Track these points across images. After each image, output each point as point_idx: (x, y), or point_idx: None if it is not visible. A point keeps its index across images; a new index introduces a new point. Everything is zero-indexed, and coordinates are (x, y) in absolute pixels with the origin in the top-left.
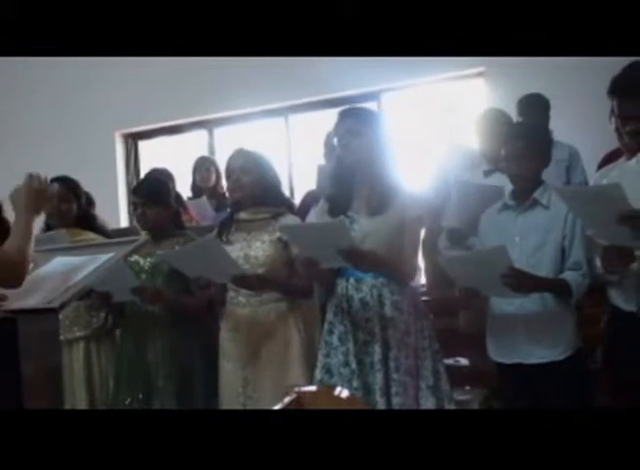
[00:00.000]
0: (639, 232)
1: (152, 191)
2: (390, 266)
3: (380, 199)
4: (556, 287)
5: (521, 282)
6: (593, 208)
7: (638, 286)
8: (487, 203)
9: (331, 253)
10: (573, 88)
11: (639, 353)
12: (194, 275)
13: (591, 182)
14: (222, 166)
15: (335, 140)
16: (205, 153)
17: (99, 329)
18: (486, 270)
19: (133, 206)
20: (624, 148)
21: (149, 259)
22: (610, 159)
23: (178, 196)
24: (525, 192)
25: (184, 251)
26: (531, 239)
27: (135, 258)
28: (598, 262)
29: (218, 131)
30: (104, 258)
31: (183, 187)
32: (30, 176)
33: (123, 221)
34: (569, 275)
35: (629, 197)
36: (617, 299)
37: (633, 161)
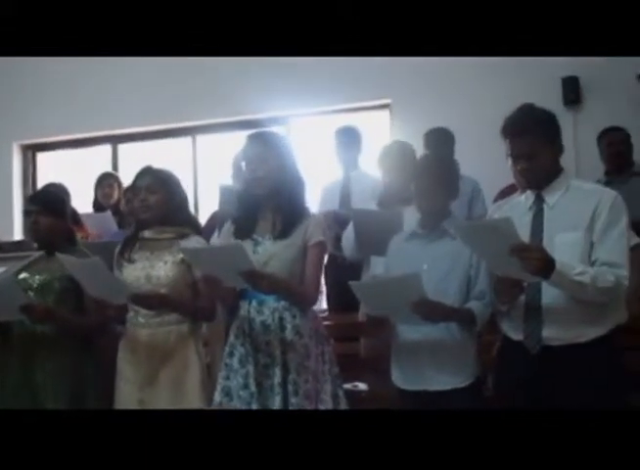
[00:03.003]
0: (527, 264)
1: (49, 199)
2: (291, 289)
3: (284, 223)
4: (463, 316)
5: (431, 311)
6: (486, 241)
7: (525, 316)
8: (386, 228)
9: (232, 274)
10: (477, 122)
11: (526, 382)
12: (94, 293)
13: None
14: (126, 183)
15: (243, 164)
16: (108, 168)
17: None
18: (398, 297)
19: (26, 214)
20: (517, 184)
21: (38, 277)
22: (505, 193)
23: (74, 212)
24: (434, 222)
25: (82, 263)
26: (439, 267)
27: (23, 275)
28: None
29: (123, 147)
30: None
31: (82, 203)
32: None
33: (17, 234)
34: (474, 305)
35: (518, 230)
36: (507, 328)
37: (523, 196)
